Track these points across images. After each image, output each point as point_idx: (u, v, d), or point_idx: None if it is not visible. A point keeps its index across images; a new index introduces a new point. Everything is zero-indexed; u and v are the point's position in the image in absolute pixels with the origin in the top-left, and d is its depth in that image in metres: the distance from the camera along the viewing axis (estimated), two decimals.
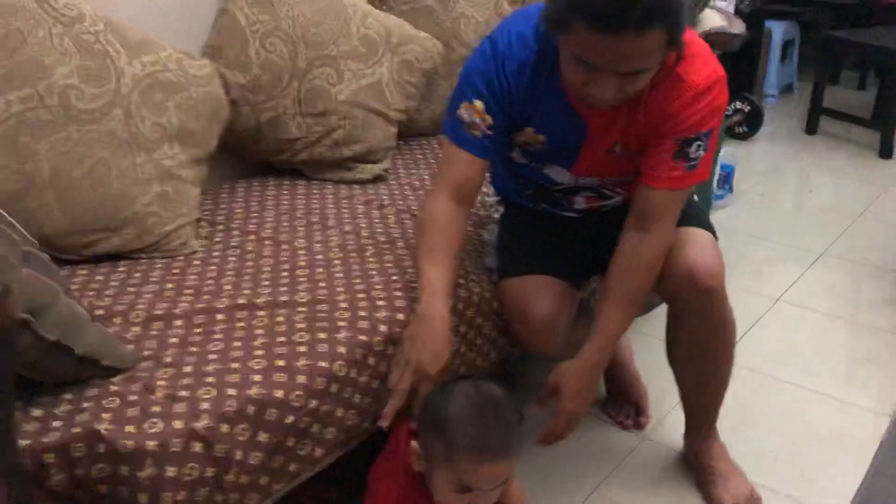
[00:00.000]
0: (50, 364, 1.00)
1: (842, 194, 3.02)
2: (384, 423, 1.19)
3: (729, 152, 2.94)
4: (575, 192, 1.45)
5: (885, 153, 3.31)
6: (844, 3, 4.26)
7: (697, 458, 1.56)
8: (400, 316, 1.26)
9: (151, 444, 0.96)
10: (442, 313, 1.22)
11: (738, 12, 3.50)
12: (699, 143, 1.28)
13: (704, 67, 1.26)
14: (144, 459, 0.96)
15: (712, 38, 2.05)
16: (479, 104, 1.29)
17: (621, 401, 1.74)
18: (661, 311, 1.48)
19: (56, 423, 0.99)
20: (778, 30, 3.98)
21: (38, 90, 1.34)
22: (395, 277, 1.35)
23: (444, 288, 1.24)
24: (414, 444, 1.13)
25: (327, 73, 1.74)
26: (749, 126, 3.54)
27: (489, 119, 1.29)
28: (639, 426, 1.71)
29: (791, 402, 1.81)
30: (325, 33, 1.76)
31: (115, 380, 1.07)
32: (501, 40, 1.28)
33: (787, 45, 4.16)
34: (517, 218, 1.53)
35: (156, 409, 1.01)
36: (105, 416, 0.99)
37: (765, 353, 1.98)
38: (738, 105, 3.53)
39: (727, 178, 2.82)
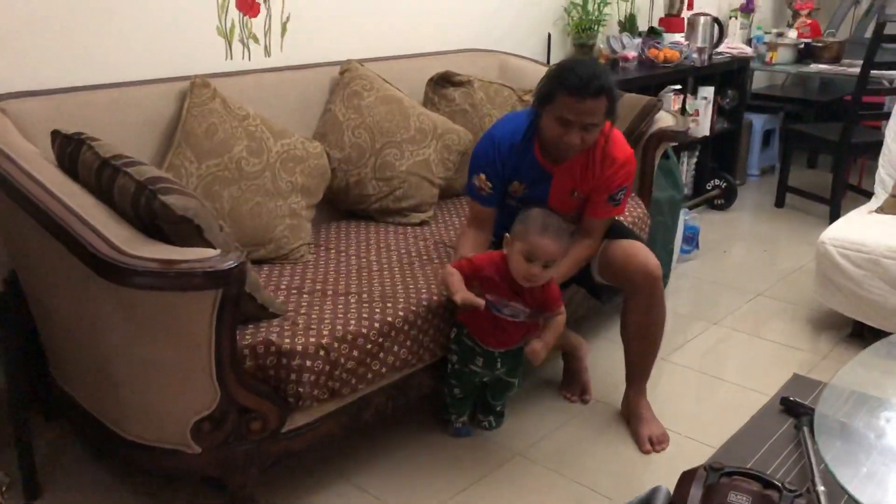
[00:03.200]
0: (245, 306, 1.86)
1: (789, 252, 3.79)
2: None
3: (698, 218, 3.76)
4: None
5: (833, 222, 4.07)
6: (817, 100, 5.10)
7: (629, 407, 2.34)
8: (423, 303, 2.08)
9: (299, 347, 1.81)
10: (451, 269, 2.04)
11: (720, 108, 4.39)
12: (621, 192, 2.19)
13: (625, 150, 2.18)
14: (295, 355, 1.80)
15: (664, 133, 2.88)
16: (482, 176, 2.18)
17: (573, 383, 2.52)
18: (611, 325, 2.31)
19: (248, 336, 1.84)
20: (758, 121, 4.81)
21: (224, 159, 2.23)
22: (421, 281, 2.17)
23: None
24: (506, 235, 2.01)
25: (394, 153, 2.63)
26: (725, 199, 4.35)
27: (490, 185, 2.18)
28: (584, 402, 2.48)
29: (706, 385, 2.60)
30: (392, 126, 2.64)
31: (274, 321, 1.92)
32: (496, 134, 2.19)
33: (769, 134, 4.99)
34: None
35: (300, 332, 1.86)
36: (273, 333, 1.84)
37: (699, 355, 2.78)
38: (717, 182, 4.35)
39: (694, 238, 3.62)
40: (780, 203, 4.42)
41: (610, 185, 2.16)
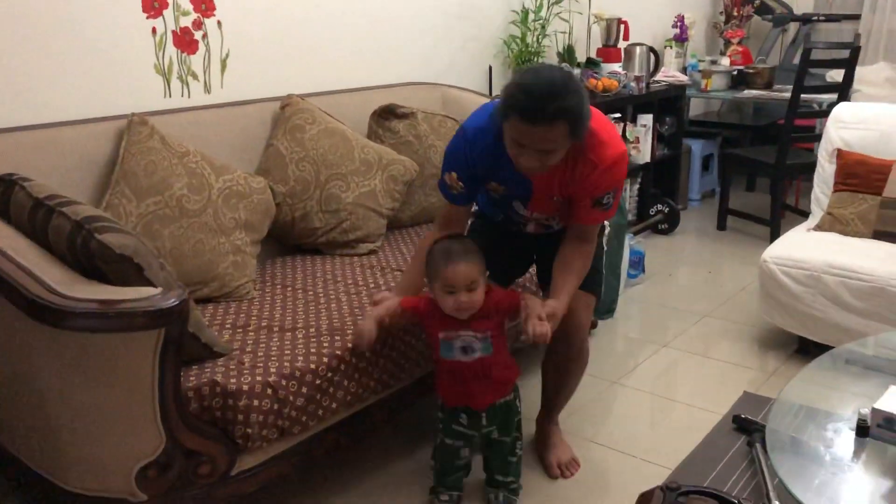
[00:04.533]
0: (189, 346, 1.80)
1: (733, 273, 3.86)
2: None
3: (643, 243, 3.81)
4: (528, 223, 2.16)
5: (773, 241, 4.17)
6: (752, 125, 5.26)
7: (542, 435, 2.31)
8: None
9: (245, 387, 1.76)
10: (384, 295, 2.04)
11: (660, 135, 4.48)
12: (608, 196, 1.97)
13: (609, 151, 1.90)
14: (241, 395, 1.75)
15: None
16: (454, 175, 2.01)
17: None
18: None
19: (192, 377, 1.78)
20: (697, 147, 4.92)
21: (164, 197, 2.18)
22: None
23: (403, 283, 2.08)
24: (425, 288, 2.00)
25: (339, 185, 2.61)
26: (668, 224, 4.43)
27: (461, 184, 2.01)
28: None
29: (659, 407, 2.61)
30: (337, 158, 2.63)
31: (219, 360, 1.87)
32: (468, 131, 1.97)
33: (707, 159, 5.11)
34: (482, 227, 2.27)
35: (245, 371, 1.81)
36: (219, 373, 1.79)
37: (650, 378, 2.79)
38: (660, 207, 4.42)
39: (640, 262, 3.67)
40: (721, 226, 4.51)
41: (594, 191, 1.94)
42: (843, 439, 1.73)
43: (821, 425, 1.81)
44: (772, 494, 1.94)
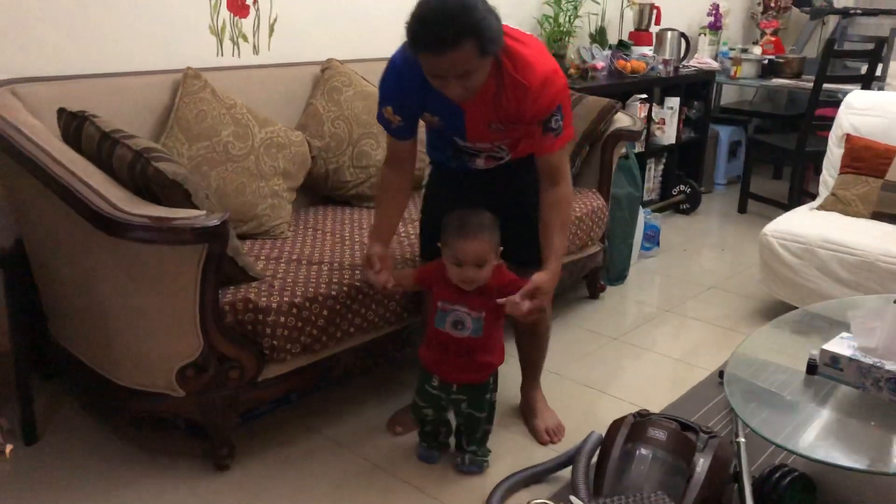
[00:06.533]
0: (227, 268, 2.07)
1: (745, 252, 4.01)
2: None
3: (659, 218, 4.00)
4: (476, 155, 2.10)
5: None
6: (783, 114, 5.37)
7: (526, 402, 2.38)
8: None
9: (274, 305, 2.03)
10: (371, 248, 2.03)
11: (687, 118, 4.64)
12: (555, 118, 1.88)
13: (535, 70, 1.83)
14: (270, 312, 2.02)
15: (621, 133, 3.12)
16: (389, 109, 1.97)
17: None
18: None
19: (228, 294, 2.05)
20: (725, 133, 5.06)
21: (212, 142, 2.46)
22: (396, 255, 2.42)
23: (377, 228, 2.09)
24: (439, 243, 1.98)
25: (370, 143, 2.86)
26: (690, 204, 4.59)
27: (398, 117, 1.98)
28: None
29: (657, 363, 2.82)
30: (369, 119, 2.86)
31: (252, 283, 2.14)
32: (397, 63, 1.92)
33: (736, 145, 5.24)
34: (438, 177, 2.28)
35: (275, 292, 2.07)
36: (251, 292, 2.06)
37: (652, 338, 3.00)
38: (682, 188, 4.59)
39: (655, 236, 3.85)
40: (742, 209, 4.66)
41: (537, 114, 1.88)
42: (795, 378, 1.92)
43: (776, 368, 2.01)
44: (740, 432, 2.14)
